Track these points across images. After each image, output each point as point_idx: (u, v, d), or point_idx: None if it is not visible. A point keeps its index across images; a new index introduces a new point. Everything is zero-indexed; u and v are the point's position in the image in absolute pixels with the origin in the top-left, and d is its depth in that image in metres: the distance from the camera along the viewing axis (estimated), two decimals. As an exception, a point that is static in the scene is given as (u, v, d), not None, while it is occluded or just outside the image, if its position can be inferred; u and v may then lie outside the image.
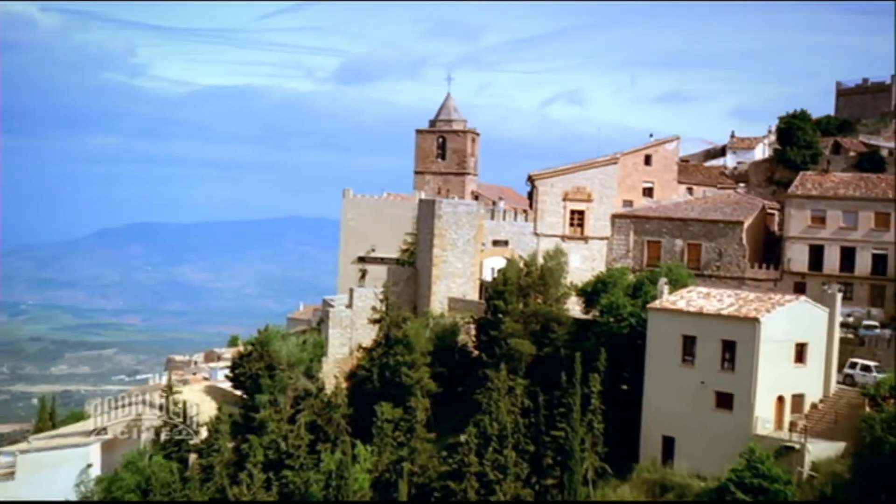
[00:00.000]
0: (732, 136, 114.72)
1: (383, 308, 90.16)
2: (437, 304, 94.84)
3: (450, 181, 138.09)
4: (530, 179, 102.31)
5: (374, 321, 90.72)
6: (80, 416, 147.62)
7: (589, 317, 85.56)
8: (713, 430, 72.19)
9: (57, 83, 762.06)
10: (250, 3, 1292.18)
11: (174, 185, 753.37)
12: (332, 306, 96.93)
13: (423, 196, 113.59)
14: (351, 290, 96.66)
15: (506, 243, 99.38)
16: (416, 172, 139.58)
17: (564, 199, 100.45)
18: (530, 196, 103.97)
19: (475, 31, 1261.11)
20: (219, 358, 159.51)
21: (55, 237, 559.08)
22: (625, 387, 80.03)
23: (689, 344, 74.76)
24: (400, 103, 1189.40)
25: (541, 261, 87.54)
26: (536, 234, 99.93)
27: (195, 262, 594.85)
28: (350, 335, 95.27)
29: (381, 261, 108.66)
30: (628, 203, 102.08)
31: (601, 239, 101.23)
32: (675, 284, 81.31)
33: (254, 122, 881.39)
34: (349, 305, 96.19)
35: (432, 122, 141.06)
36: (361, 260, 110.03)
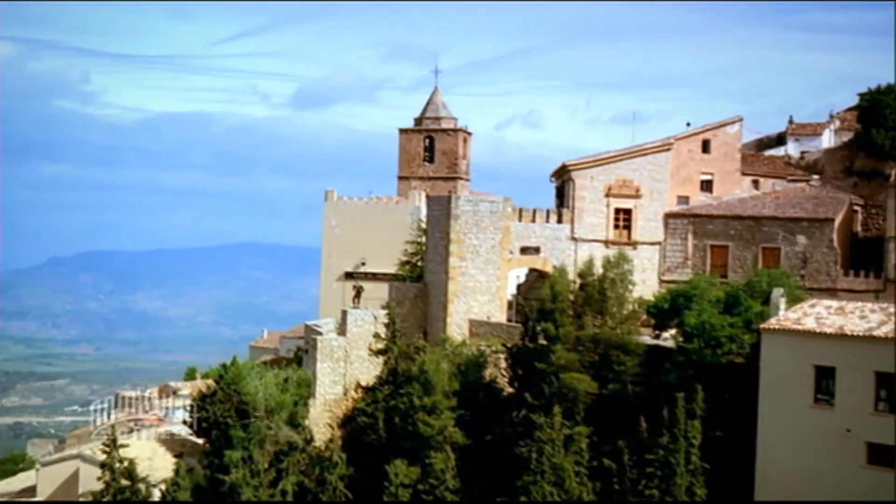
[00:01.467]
0: (791, 121, 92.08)
1: (389, 335, 66.64)
2: (455, 328, 71.47)
3: (439, 187, 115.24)
4: (562, 172, 79.01)
5: (378, 352, 67.28)
6: (20, 459, 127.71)
7: (665, 342, 62.73)
8: (864, 495, 49.71)
9: (6, 112, 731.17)
10: (204, 28, 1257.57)
11: (127, 212, 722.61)
12: (318, 333, 73.08)
13: (418, 196, 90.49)
14: (344, 313, 72.90)
15: (536, 251, 75.89)
16: (401, 178, 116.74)
17: (607, 195, 77.06)
18: (559, 195, 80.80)
19: (432, 55, 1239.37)
20: (175, 393, 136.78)
21: (5, 266, 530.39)
22: (719, 433, 57.47)
23: (824, 377, 52.41)
24: (357, 127, 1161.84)
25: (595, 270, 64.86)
26: (574, 239, 76.48)
27: (148, 290, 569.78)
28: (344, 370, 71.60)
29: (374, 276, 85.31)
30: (683, 199, 78.86)
31: (652, 244, 77.97)
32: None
33: (208, 149, 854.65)
34: (341, 332, 72.47)
35: (418, 121, 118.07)
36: (350, 276, 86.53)
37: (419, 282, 77.23)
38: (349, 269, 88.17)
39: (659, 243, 77.79)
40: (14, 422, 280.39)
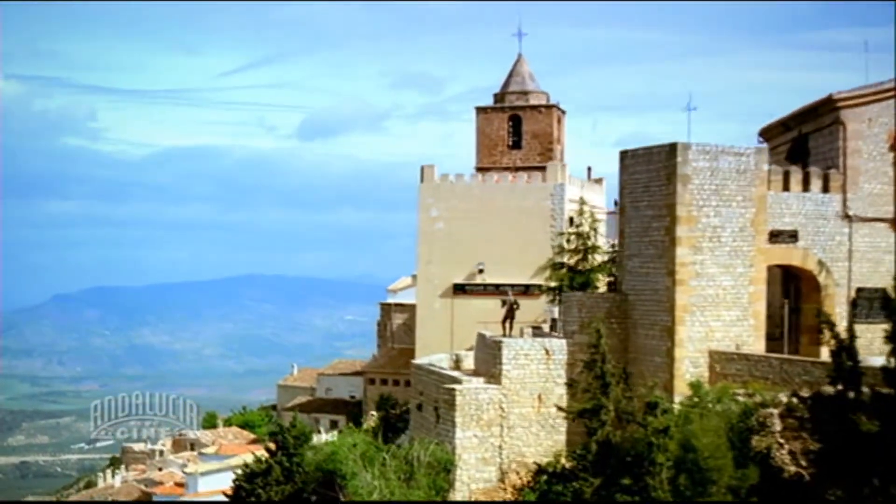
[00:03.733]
0: None
1: (594, 380, 35.03)
2: (687, 366, 39.60)
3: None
4: (815, 112, 47.08)
5: (581, 414, 35.54)
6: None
7: None
8: None
9: (14, 150, 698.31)
10: (210, 62, 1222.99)
11: (132, 247, 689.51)
12: (455, 384, 41.14)
13: (560, 171, 59.06)
14: (498, 345, 40.91)
15: (792, 236, 44.00)
16: (479, 169, 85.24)
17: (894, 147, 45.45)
18: (798, 154, 48.86)
19: (440, 82, 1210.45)
20: (192, 446, 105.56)
21: (10, 305, 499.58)
22: None
23: None
24: (363, 157, 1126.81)
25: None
26: (847, 217, 44.58)
27: (154, 325, 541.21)
28: (500, 441, 39.77)
29: (496, 289, 53.80)
30: None
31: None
32: None
33: (215, 182, 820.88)
34: (493, 378, 40.70)
35: (499, 96, 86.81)
36: (461, 290, 55.06)
37: (616, 292, 45.05)
38: (460, 280, 57.49)
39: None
40: (20, 461, 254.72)
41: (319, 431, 77.37)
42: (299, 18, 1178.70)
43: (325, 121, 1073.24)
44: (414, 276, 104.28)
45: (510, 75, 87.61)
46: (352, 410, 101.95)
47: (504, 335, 43.42)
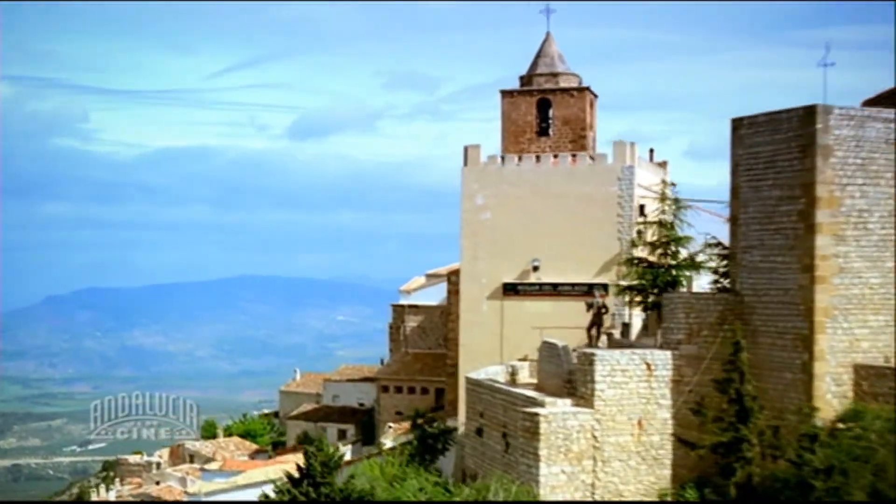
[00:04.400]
0: None
1: (731, 402, 26.40)
2: (829, 384, 30.94)
3: (559, 169, 74.85)
4: None
5: (713, 448, 26.94)
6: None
7: None
8: None
9: (6, 152, 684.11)
10: (202, 62, 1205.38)
11: (125, 248, 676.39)
12: (536, 406, 32.40)
13: (629, 151, 50.15)
14: (589, 359, 32.19)
15: None
16: (503, 158, 76.60)
17: None
18: None
19: (434, 81, 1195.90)
20: (191, 458, 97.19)
21: (2, 307, 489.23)
22: None
23: None
24: (357, 157, 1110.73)
25: None
26: None
27: (146, 326, 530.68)
28: (592, 478, 31.17)
29: (553, 289, 45.05)
30: None
31: None
32: None
33: (208, 182, 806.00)
34: (586, 397, 32.07)
35: (526, 79, 78.13)
36: (511, 290, 46.33)
37: (730, 293, 36.20)
38: (511, 279, 48.74)
39: None
40: (12, 464, 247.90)
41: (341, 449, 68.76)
42: (292, 18, 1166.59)
43: (319, 121, 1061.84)
44: (428, 276, 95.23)
45: (538, 56, 78.88)
46: (361, 419, 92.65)
47: (590, 345, 34.80)
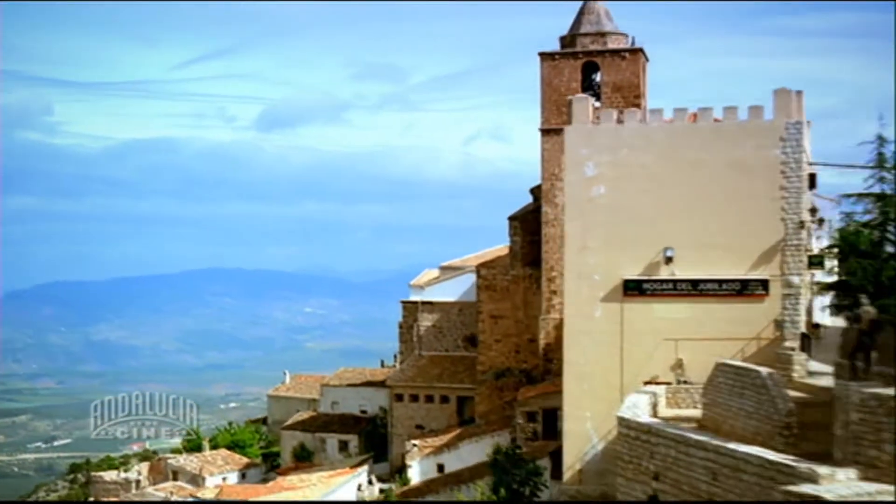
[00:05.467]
0: None
1: None
2: None
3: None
4: None
5: None
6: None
7: None
8: None
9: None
10: (167, 53, 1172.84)
11: (90, 242, 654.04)
12: (808, 483, 19.57)
13: (794, 102, 37.08)
14: (887, 405, 19.36)
15: None
16: (544, 131, 64.98)
17: None
18: None
19: (403, 72, 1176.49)
20: (175, 475, 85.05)
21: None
22: None
23: None
24: (325, 148, 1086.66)
25: None
26: None
27: (111, 321, 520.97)
28: None
29: (693, 288, 32.42)
30: None
31: None
32: None
33: (174, 175, 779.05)
34: (878, 464, 19.23)
35: (568, 40, 66.14)
36: (633, 289, 33.43)
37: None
38: (633, 275, 35.54)
39: None
40: None
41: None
42: (259, 8, 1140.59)
43: (287, 112, 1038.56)
44: (442, 268, 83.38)
45: (581, 13, 66.71)
46: (365, 428, 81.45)
47: (855, 377, 22.21)
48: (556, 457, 42.28)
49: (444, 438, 65.32)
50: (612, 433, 33.06)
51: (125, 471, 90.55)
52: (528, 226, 68.01)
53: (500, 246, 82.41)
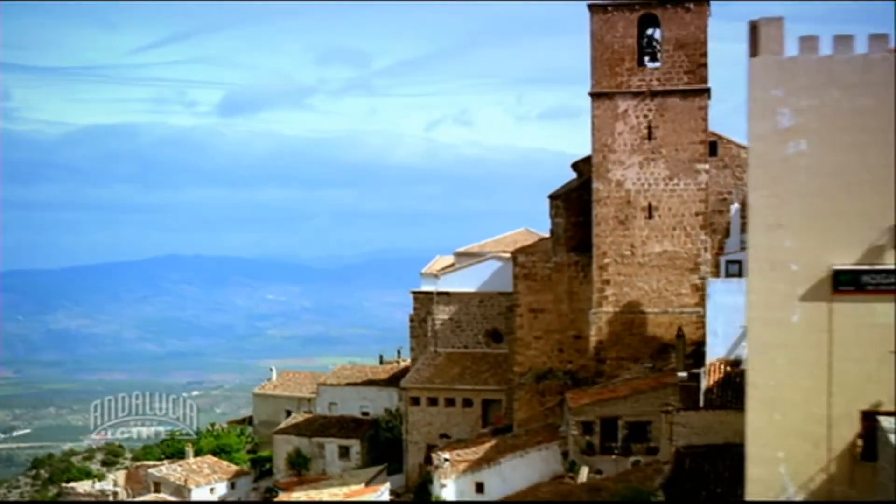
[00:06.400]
0: None
1: None
2: None
3: (670, 108, 54.17)
4: None
5: None
6: None
7: None
8: None
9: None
10: (127, 37, 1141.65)
11: (48, 230, 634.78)
12: None
13: None
14: None
15: None
16: (595, 95, 55.06)
17: None
18: None
19: (367, 56, 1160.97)
20: (157, 486, 75.26)
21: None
22: None
23: None
24: (287, 133, 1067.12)
25: None
26: None
27: (70, 309, 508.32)
28: None
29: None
30: None
31: None
32: None
33: (135, 161, 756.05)
34: None
35: (620, -10, 56.19)
36: (852, 282, 23.27)
37: None
38: (846, 264, 24.62)
39: None
40: None
41: None
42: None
43: (249, 97, 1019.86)
44: (457, 254, 73.80)
45: (634, -39, 56.49)
46: (367, 432, 73.13)
47: None
48: (668, 488, 32.36)
49: (478, 450, 55.03)
50: (815, 481, 23.27)
51: (99, 479, 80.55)
52: (573, 205, 58.25)
53: (519, 229, 73.80)
